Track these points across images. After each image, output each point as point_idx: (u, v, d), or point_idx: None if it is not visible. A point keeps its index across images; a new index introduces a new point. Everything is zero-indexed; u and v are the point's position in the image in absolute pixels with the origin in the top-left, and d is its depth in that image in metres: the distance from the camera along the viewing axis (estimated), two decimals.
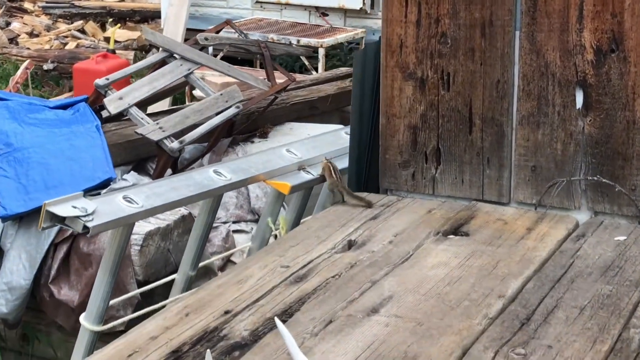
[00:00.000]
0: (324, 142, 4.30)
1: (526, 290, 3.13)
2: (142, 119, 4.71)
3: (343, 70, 6.64)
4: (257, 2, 10.65)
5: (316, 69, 9.48)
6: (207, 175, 3.62)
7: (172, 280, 3.98)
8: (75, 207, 3.28)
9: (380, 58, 4.01)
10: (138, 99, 4.77)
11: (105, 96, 4.75)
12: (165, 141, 4.66)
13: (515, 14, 3.73)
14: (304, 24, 10.24)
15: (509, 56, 3.77)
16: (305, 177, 4.00)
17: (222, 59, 6.48)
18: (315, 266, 3.33)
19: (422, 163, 3.98)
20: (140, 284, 4.29)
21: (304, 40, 9.58)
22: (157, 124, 4.69)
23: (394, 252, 3.47)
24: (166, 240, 4.17)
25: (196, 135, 4.82)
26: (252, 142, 5.27)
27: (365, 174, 4.19)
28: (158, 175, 4.71)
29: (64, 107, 4.82)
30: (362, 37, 10.00)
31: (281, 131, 5.45)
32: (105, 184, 4.31)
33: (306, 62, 9.60)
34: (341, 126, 5.64)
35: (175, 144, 4.65)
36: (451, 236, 3.62)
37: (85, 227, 3.23)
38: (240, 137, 5.21)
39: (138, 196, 3.31)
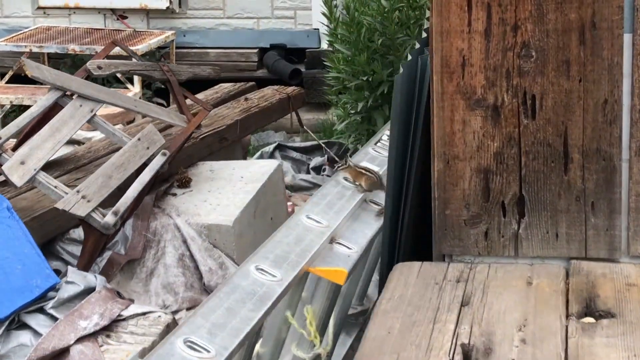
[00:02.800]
0: (338, 198, 3.22)
1: None
2: (55, 187, 3.43)
3: (225, 86, 5.49)
4: (38, 7, 9.16)
5: (131, 82, 8.22)
6: (254, 279, 2.48)
7: None
8: None
9: (430, 83, 2.98)
10: (44, 161, 3.48)
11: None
12: (94, 215, 3.41)
13: (627, 11, 2.82)
14: (101, 29, 8.91)
15: (619, 67, 2.84)
16: (349, 254, 2.92)
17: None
18: None
19: (498, 217, 3.00)
20: None
21: (115, 49, 8.27)
22: (78, 192, 3.42)
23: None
24: None
25: (130, 200, 3.59)
26: (174, 195, 4.09)
27: (408, 238, 3.17)
28: (88, 261, 3.46)
29: None
30: (173, 40, 8.82)
31: (202, 175, 4.29)
32: (43, 295, 2.99)
33: (118, 74, 8.30)
34: (278, 161, 4.55)
35: (109, 218, 3.40)
36: (590, 319, 2.67)
37: None
38: (160, 191, 3.98)
39: (202, 336, 2.13)
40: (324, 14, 7.11)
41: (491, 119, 2.92)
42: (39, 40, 8.49)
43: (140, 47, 8.22)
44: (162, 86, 8.76)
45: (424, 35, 6.68)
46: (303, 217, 3.03)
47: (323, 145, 7.46)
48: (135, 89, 8.18)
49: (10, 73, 8.34)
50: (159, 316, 2.98)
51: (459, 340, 2.60)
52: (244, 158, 5.32)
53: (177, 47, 8.89)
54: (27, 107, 8.38)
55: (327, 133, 8.14)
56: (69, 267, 3.25)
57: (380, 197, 3.42)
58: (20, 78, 8.43)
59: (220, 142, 4.64)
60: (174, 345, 2.12)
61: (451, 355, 2.52)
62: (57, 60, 8.94)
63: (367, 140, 6.71)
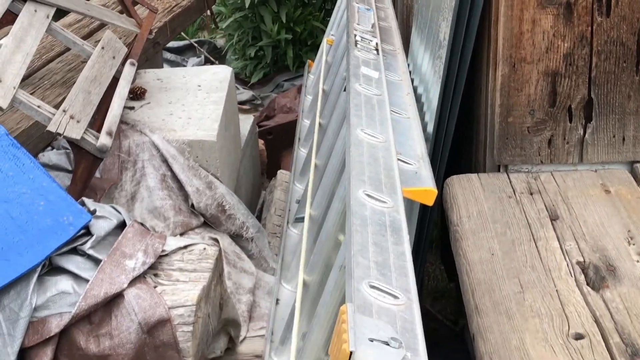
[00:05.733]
0: (371, 107, 2.94)
1: None
2: (38, 107, 2.92)
3: None
4: None
5: None
6: (372, 207, 2.18)
7: None
8: None
9: None
10: (20, 77, 2.95)
11: None
12: (86, 137, 2.94)
13: None
14: None
15: None
16: (415, 170, 2.65)
17: None
18: None
19: (564, 122, 2.81)
20: None
21: None
22: (64, 111, 2.93)
23: None
24: (208, 303, 2.53)
25: (118, 117, 3.13)
26: (132, 108, 3.64)
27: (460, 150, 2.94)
28: (81, 189, 3.00)
29: None
30: None
31: (151, 85, 3.84)
32: (77, 233, 2.50)
33: None
34: (225, 67, 4.16)
35: (105, 139, 2.94)
36: None
37: None
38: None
39: (378, 279, 1.82)
40: None
41: (563, 17, 2.71)
42: None
43: None
44: None
45: None
46: (359, 131, 2.73)
47: (195, 44, 7.05)
48: None
49: None
50: (204, 248, 2.62)
51: (571, 259, 2.42)
52: None
53: None
54: None
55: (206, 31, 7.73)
56: (84, 199, 2.80)
57: (402, 106, 3.17)
58: None
59: (154, 48, 4.21)
60: (362, 292, 1.82)
61: (574, 275, 2.34)
62: None
63: (252, 38, 6.39)
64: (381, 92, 3.20)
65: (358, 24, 3.97)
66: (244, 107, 5.93)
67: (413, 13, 4.41)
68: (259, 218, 4.15)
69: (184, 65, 6.76)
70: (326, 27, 5.95)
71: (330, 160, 3.23)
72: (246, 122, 4.40)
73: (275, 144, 5.21)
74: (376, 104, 3.09)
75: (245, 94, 6.14)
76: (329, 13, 6.39)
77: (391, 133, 2.85)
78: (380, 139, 2.77)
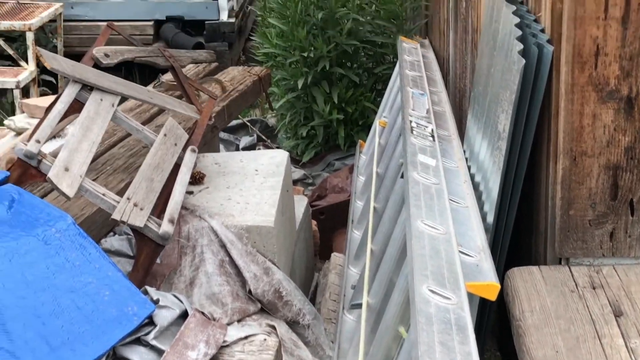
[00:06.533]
0: (430, 197, 2.96)
1: None
2: (103, 195, 2.97)
3: (189, 67, 4.99)
4: None
5: (26, 60, 7.63)
6: (436, 304, 2.19)
7: None
8: None
9: (552, 74, 2.75)
10: (87, 165, 3.01)
11: (39, 169, 2.94)
12: (149, 225, 2.98)
13: None
14: None
15: None
16: (477, 263, 2.66)
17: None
18: None
19: (625, 216, 2.81)
20: None
21: (5, 24, 7.64)
22: (128, 199, 2.98)
23: None
24: None
25: (180, 204, 3.18)
26: (191, 193, 3.69)
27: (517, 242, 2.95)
28: (143, 276, 3.04)
29: None
30: (61, 13, 8.23)
31: (209, 170, 3.89)
32: (141, 324, 2.52)
33: (11, 52, 7.70)
34: (282, 151, 4.21)
35: (167, 227, 2.98)
36: None
37: None
38: None
39: None
40: None
41: (624, 112, 2.72)
42: None
43: (34, 22, 7.63)
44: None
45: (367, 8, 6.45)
46: (419, 223, 2.75)
47: (248, 123, 7.13)
48: (31, 67, 7.61)
49: None
50: (264, 339, 2.63)
51: (637, 357, 2.40)
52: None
53: (65, 20, 8.31)
54: None
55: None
56: (147, 287, 2.84)
57: (460, 195, 3.18)
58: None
59: (212, 132, 4.27)
60: None
61: None
62: None
63: (304, 118, 6.45)
64: (439, 180, 3.22)
65: (413, 110, 4.01)
66: (296, 187, 5.97)
67: (466, 97, 4.45)
68: (312, 301, 4.16)
69: (237, 144, 6.83)
70: (377, 107, 6.00)
71: (388, 248, 3.25)
72: (300, 204, 4.43)
73: (327, 224, 5.23)
74: (435, 193, 3.11)
75: (296, 173, 6.18)
76: (380, 94, 6.45)
77: (451, 224, 2.86)
78: (441, 230, 2.79)
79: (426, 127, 3.81)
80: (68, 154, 3.03)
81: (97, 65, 3.60)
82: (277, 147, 6.69)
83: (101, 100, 3.37)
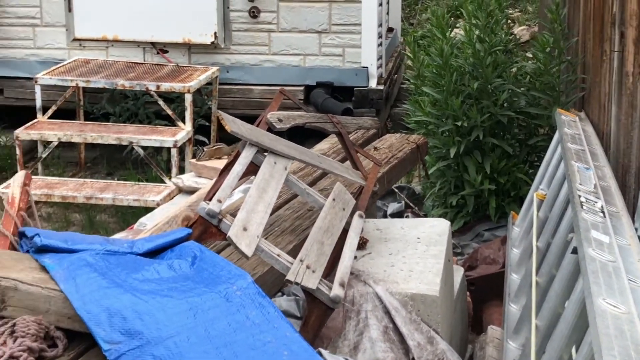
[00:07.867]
0: (596, 276, 2.91)
1: None
2: (278, 256, 3.05)
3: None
4: (74, 39, 8.71)
5: (183, 120, 7.85)
6: None
7: None
8: None
9: None
10: (263, 226, 3.09)
11: (219, 228, 3.04)
12: (321, 287, 3.03)
13: None
14: (142, 64, 8.49)
15: None
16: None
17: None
18: None
19: None
20: None
21: (165, 86, 7.90)
22: (301, 261, 3.05)
23: None
24: None
25: (349, 269, 3.23)
26: (355, 258, 3.74)
27: None
28: (312, 338, 3.08)
29: (157, 251, 3.00)
30: (217, 77, 8.45)
31: (371, 236, 3.94)
32: None
33: (169, 112, 7.93)
34: (443, 220, 4.22)
35: (338, 290, 3.03)
36: None
37: None
38: None
39: None
40: (408, 56, 6.85)
41: None
42: (82, 74, 8.07)
43: (192, 84, 7.88)
44: (206, 123, 8.44)
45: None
46: (601, 301, 2.71)
47: (396, 190, 7.16)
48: (187, 127, 7.83)
49: (54, 108, 7.91)
50: None
51: None
52: None
53: (220, 83, 8.54)
54: (73, 144, 8.01)
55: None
56: (321, 350, 2.89)
57: (636, 274, 3.12)
58: (62, 113, 8.01)
59: (372, 198, 4.32)
60: None
61: None
62: (93, 95, 8.55)
63: (454, 187, 6.45)
64: (615, 258, 3.17)
65: (580, 184, 3.96)
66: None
67: (631, 173, 4.38)
68: None
69: (385, 210, 6.87)
70: (530, 179, 5.97)
71: (558, 325, 3.20)
72: (457, 274, 4.42)
73: (477, 296, 5.20)
74: (612, 271, 3.07)
75: None
76: (532, 165, 6.41)
77: (632, 303, 2.82)
78: (623, 310, 2.74)
79: (595, 202, 3.76)
80: (246, 214, 3.11)
81: (270, 129, 3.69)
82: (425, 215, 6.70)
83: (275, 163, 3.45)
